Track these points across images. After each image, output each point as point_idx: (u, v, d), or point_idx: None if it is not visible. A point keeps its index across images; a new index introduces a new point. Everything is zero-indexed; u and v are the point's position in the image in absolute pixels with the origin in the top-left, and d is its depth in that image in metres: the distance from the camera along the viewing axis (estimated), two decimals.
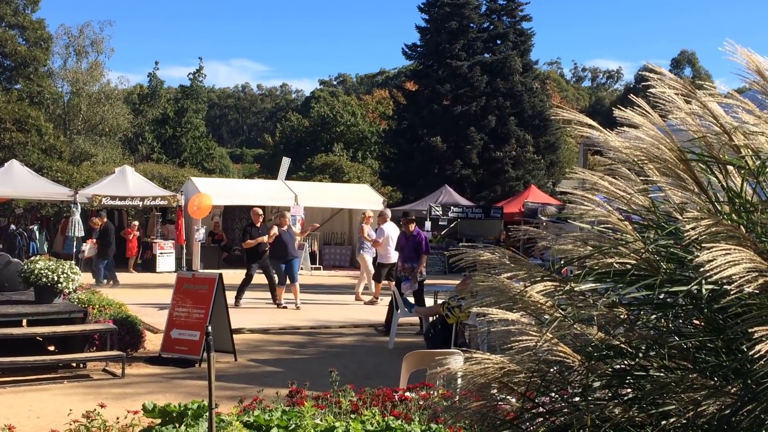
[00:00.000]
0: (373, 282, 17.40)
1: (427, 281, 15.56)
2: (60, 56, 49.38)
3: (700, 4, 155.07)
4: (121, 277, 22.73)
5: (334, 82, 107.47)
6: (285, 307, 15.59)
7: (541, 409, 2.65)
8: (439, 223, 28.29)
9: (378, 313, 15.00)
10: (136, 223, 26.50)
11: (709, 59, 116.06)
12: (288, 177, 29.65)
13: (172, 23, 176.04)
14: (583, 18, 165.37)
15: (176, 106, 55.18)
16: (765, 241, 2.22)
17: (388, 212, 17.77)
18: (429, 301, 13.59)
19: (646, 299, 2.45)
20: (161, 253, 25.54)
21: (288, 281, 15.81)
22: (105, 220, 21.13)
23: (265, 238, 15.71)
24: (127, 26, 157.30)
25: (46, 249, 26.01)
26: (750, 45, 2.54)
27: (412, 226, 13.55)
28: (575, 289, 2.59)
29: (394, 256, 16.01)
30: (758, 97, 2.45)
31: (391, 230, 16.55)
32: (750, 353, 1.90)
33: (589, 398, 2.50)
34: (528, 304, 2.63)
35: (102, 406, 5.56)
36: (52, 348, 10.14)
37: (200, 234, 24.25)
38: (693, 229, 2.08)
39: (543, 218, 25.98)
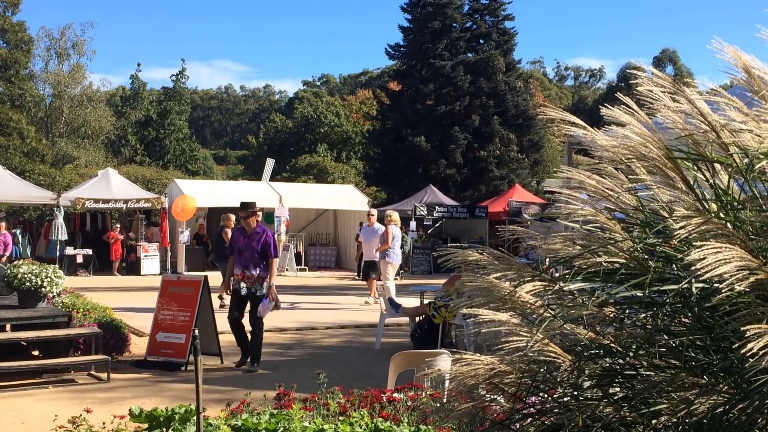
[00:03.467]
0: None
1: (413, 281, 15.37)
2: (41, 59, 49.19)
3: (681, 4, 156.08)
4: (106, 280, 22.64)
5: (318, 83, 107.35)
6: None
7: (531, 410, 2.64)
8: (424, 222, 28.34)
9: (366, 315, 14.98)
10: (119, 225, 26.38)
11: (691, 57, 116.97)
12: (272, 178, 29.62)
13: (154, 25, 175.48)
14: (566, 17, 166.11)
15: (159, 108, 54.98)
16: (754, 239, 2.22)
17: (374, 211, 17.98)
18: (415, 302, 13.57)
19: (636, 298, 2.45)
20: (145, 256, 25.43)
21: None
22: None
23: None
24: (109, 28, 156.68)
25: (29, 253, 25.82)
26: (732, 42, 2.54)
27: (254, 221, 10.29)
28: (564, 288, 2.59)
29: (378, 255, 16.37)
30: (746, 95, 2.45)
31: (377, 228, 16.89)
32: (742, 351, 1.90)
33: (580, 398, 2.49)
34: (517, 305, 2.62)
35: (88, 411, 5.51)
36: (36, 353, 10.05)
37: (185, 236, 24.15)
38: (683, 227, 2.08)
39: (527, 217, 26.06)
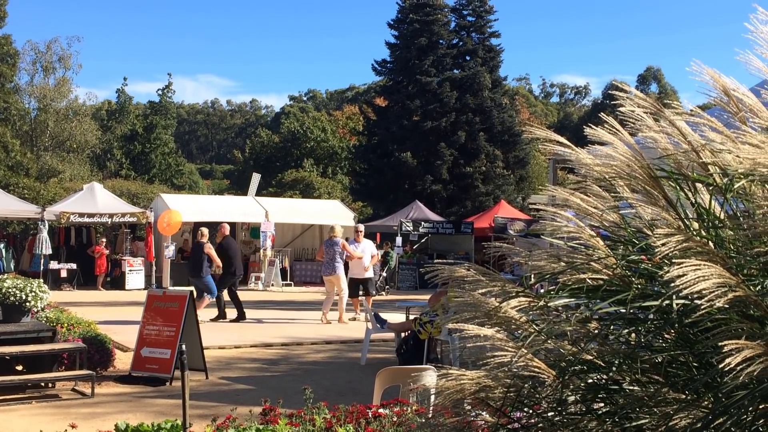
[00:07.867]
0: (346, 299, 16.95)
1: (399, 297, 15.27)
2: (27, 72, 48.99)
3: (665, 23, 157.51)
4: (90, 294, 22.52)
5: (304, 98, 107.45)
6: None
7: (516, 425, 2.67)
8: (410, 238, 28.39)
9: (352, 330, 14.98)
10: (104, 240, 26.27)
11: (675, 75, 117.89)
12: (258, 193, 29.60)
13: (140, 39, 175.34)
14: (552, 35, 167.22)
15: (145, 122, 54.92)
16: (734, 257, 2.26)
17: (362, 227, 18.22)
18: (401, 317, 13.59)
19: (619, 314, 2.49)
20: (130, 271, 25.32)
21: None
22: None
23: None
24: (95, 42, 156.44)
25: (12, 267, 25.65)
26: (713, 61, 2.60)
27: None
28: (549, 304, 2.62)
29: (369, 272, 16.98)
30: (724, 116, 2.50)
31: (366, 245, 17.18)
32: (720, 366, 1.94)
33: (564, 413, 2.52)
34: (503, 320, 2.65)
35: (72, 426, 5.49)
36: (20, 368, 9.99)
37: (170, 251, 24.07)
38: (664, 245, 2.12)
39: (512, 233, 26.16)
